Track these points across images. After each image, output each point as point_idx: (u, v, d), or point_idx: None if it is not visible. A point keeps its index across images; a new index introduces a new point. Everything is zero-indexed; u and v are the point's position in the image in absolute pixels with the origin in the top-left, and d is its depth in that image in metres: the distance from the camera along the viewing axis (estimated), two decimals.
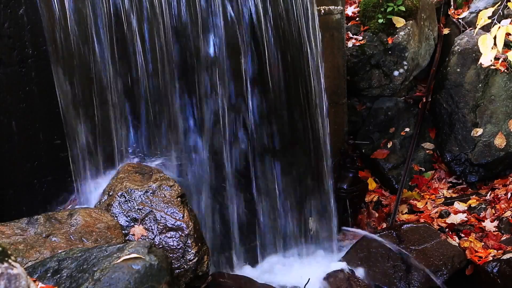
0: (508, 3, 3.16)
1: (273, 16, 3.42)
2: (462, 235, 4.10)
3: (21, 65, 2.68)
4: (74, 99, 2.85)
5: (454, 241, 3.95)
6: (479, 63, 4.16)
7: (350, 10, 4.87)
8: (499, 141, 4.50)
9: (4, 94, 2.65)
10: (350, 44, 4.67)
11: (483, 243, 3.93)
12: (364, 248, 3.78)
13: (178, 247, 2.65)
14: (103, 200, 2.79)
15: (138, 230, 2.67)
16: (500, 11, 3.37)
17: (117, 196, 2.75)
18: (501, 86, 4.62)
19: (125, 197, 2.74)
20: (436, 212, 4.34)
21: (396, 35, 4.69)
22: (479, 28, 3.14)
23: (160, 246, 2.64)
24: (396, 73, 4.73)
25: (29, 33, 2.68)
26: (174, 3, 3.06)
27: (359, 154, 4.62)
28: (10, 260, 1.39)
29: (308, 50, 3.63)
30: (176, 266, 2.61)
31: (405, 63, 4.72)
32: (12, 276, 1.36)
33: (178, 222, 2.69)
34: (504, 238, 3.97)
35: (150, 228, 2.68)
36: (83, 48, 2.83)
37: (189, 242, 2.66)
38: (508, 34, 4.33)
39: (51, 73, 2.77)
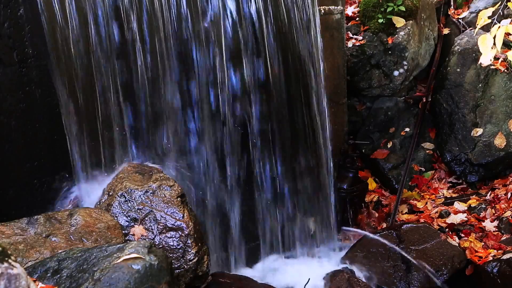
0: (508, 3, 3.16)
1: (274, 15, 3.42)
2: (462, 235, 4.10)
3: (21, 65, 2.68)
4: (75, 98, 2.85)
5: (454, 241, 3.95)
6: (479, 63, 4.17)
7: (350, 10, 4.88)
8: (499, 141, 4.50)
9: (4, 94, 2.64)
10: (350, 44, 4.68)
11: (483, 243, 3.93)
12: (364, 248, 3.78)
13: (178, 247, 2.65)
14: (103, 200, 2.79)
15: (138, 230, 2.67)
16: (500, 11, 3.37)
17: (117, 196, 2.75)
18: (501, 86, 4.62)
19: (125, 197, 2.74)
20: (436, 212, 4.34)
21: (396, 35, 4.69)
22: (479, 28, 3.14)
23: (160, 246, 2.64)
24: (396, 73, 4.73)
25: (29, 33, 2.68)
26: (173, 2, 3.06)
27: (359, 154, 4.63)
28: (10, 260, 1.39)
29: (309, 50, 3.63)
30: (176, 266, 2.61)
31: (405, 63, 4.72)
32: (12, 276, 1.36)
33: (178, 222, 2.69)
34: (504, 238, 3.97)
35: (150, 228, 2.68)
36: (83, 47, 2.83)
37: (189, 242, 2.66)
38: (508, 34, 4.34)
39: (51, 73, 2.77)
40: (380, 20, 4.71)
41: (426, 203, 4.47)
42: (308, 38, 3.61)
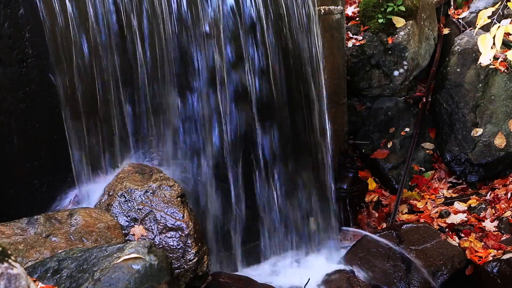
0: (508, 3, 3.16)
1: (274, 16, 3.42)
2: (462, 235, 4.10)
3: (21, 65, 2.68)
4: (75, 98, 2.85)
5: (454, 241, 3.95)
6: (478, 62, 4.17)
7: (350, 10, 4.88)
8: (499, 141, 4.50)
9: (4, 94, 2.64)
10: (350, 44, 4.68)
11: (483, 243, 3.93)
12: (364, 248, 3.78)
13: (178, 247, 2.65)
14: (103, 200, 2.79)
15: (138, 230, 2.67)
16: (500, 11, 3.37)
17: (117, 196, 2.75)
18: (501, 86, 4.62)
19: (125, 197, 2.74)
20: (436, 212, 4.34)
21: (396, 35, 4.69)
22: (479, 28, 3.15)
23: (160, 246, 2.64)
24: (396, 73, 4.73)
25: (29, 33, 2.68)
26: (173, 3, 3.06)
27: (359, 154, 4.63)
28: (10, 260, 1.39)
29: (309, 50, 3.63)
30: (176, 266, 2.61)
31: (405, 63, 4.72)
32: (12, 276, 1.36)
33: (178, 222, 2.69)
34: (504, 238, 3.97)
35: (150, 228, 2.68)
36: (84, 47, 2.83)
37: (189, 242, 2.66)
38: (507, 34, 4.34)
39: (51, 73, 2.77)
40: (380, 20, 4.71)
41: (426, 203, 4.47)
42: (308, 38, 3.61)
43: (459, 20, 5.11)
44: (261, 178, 3.62)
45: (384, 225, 4.33)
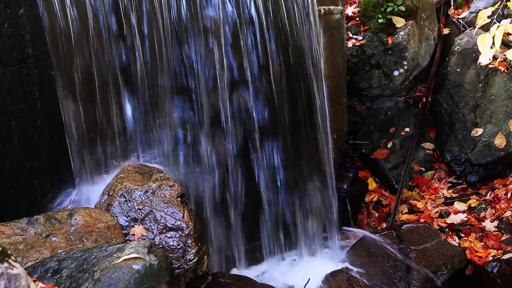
0: (508, 3, 3.16)
1: (274, 16, 3.42)
2: (462, 235, 4.10)
3: (21, 65, 2.68)
4: (75, 98, 2.85)
5: (454, 241, 3.95)
6: (478, 62, 4.17)
7: (350, 10, 4.88)
8: (499, 141, 4.50)
9: (4, 94, 2.65)
10: (350, 44, 4.68)
11: (483, 243, 3.93)
12: (364, 248, 3.79)
13: (178, 247, 2.65)
14: (103, 200, 2.79)
15: (138, 230, 2.67)
16: (500, 11, 3.38)
17: (117, 196, 2.75)
18: (501, 86, 4.62)
19: (125, 197, 2.74)
20: (436, 212, 4.34)
21: (396, 35, 4.69)
22: (479, 28, 3.15)
23: (160, 246, 2.64)
24: (396, 73, 4.73)
25: (29, 33, 2.68)
26: (173, 3, 3.06)
27: (359, 154, 4.63)
28: (10, 260, 1.39)
29: (309, 50, 3.63)
30: (176, 266, 2.61)
31: (405, 63, 4.72)
32: (12, 276, 1.37)
33: (178, 222, 2.69)
34: (504, 238, 3.97)
35: (150, 228, 2.68)
36: (84, 47, 2.84)
37: (189, 242, 2.66)
38: (507, 34, 4.34)
39: (51, 73, 2.77)
40: (380, 20, 4.71)
41: (426, 203, 4.47)
42: (308, 38, 3.61)
43: (459, 20, 5.11)
44: (262, 178, 3.62)
45: (384, 225, 4.33)
